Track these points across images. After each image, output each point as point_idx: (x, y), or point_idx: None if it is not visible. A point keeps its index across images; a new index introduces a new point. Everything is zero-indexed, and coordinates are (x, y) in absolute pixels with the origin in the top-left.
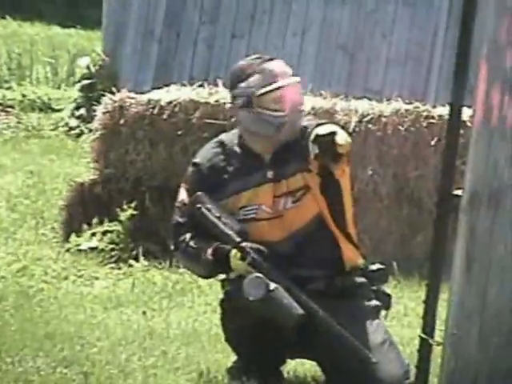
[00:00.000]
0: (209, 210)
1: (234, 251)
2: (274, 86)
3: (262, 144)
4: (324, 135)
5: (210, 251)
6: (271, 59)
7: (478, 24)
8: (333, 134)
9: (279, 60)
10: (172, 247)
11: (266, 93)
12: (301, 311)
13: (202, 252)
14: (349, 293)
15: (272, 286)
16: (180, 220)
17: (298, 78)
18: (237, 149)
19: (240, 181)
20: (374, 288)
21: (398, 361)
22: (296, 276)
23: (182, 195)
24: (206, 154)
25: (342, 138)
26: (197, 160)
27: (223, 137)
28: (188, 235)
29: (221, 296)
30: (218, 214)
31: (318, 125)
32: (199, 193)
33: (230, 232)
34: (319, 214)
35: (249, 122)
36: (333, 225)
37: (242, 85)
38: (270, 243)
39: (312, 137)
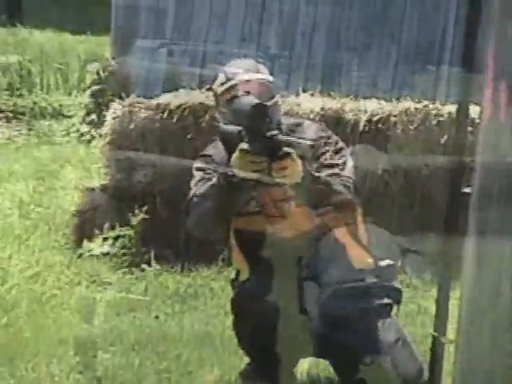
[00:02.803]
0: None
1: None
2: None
3: None
4: None
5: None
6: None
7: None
8: None
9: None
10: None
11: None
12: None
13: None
14: (359, 293)
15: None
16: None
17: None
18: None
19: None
20: (385, 284)
21: (412, 359)
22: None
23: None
24: (212, 147)
25: None
26: (203, 152)
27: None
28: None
29: (231, 296)
30: None
31: None
32: None
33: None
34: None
35: None
36: (343, 231)
37: None
38: (280, 239)
39: None
